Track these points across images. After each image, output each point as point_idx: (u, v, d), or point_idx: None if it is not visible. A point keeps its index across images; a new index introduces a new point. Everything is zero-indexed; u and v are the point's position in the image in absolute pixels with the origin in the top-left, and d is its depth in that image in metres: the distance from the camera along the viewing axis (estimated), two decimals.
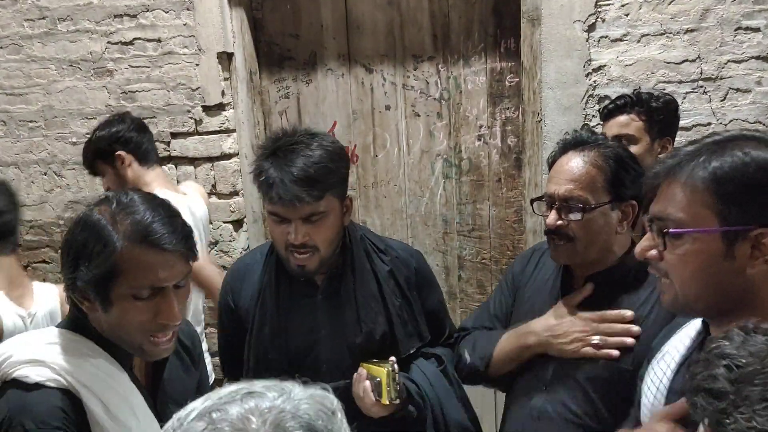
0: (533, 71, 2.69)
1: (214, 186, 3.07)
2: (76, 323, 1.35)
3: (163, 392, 1.45)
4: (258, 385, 0.74)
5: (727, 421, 0.76)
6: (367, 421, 1.71)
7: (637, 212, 1.66)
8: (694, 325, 1.24)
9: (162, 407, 1.42)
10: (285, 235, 1.68)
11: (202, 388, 1.61)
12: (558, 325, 1.65)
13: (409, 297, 1.86)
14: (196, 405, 0.72)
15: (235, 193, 3.07)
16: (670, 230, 1.09)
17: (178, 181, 3.09)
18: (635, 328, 1.57)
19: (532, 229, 2.81)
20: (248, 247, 3.13)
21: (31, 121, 3.19)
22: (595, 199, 1.60)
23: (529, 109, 2.74)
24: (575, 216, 1.61)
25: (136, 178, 2.52)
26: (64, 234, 1.32)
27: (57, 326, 1.38)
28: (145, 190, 2.46)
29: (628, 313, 1.60)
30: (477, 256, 2.99)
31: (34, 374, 1.25)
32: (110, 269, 1.24)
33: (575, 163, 1.64)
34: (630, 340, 1.57)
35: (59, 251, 1.33)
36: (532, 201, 1.78)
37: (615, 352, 1.57)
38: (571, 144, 1.69)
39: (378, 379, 1.69)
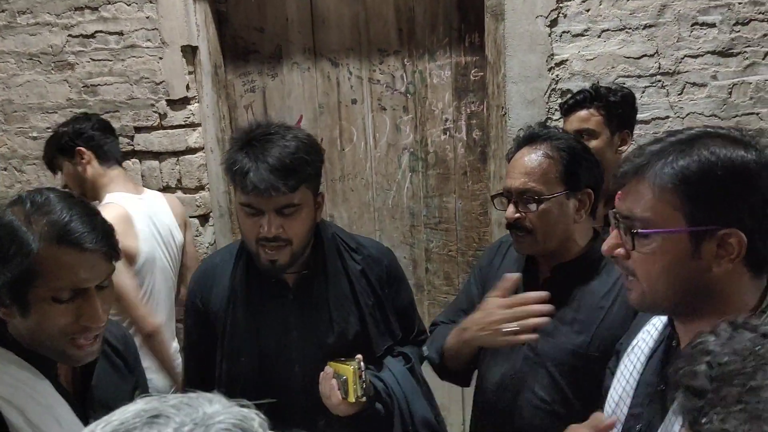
0: (497, 65, 2.72)
1: (179, 180, 3.05)
2: None
3: (92, 399, 1.40)
4: (168, 404, 0.66)
5: (703, 420, 0.73)
6: (335, 420, 1.72)
7: (594, 200, 1.71)
8: (661, 319, 1.28)
9: (93, 414, 1.36)
10: (257, 228, 1.66)
11: (140, 391, 1.57)
12: (482, 317, 1.66)
13: (381, 296, 1.87)
14: (94, 428, 0.65)
15: (201, 188, 3.05)
16: (639, 230, 1.11)
17: (143, 176, 3.06)
18: (547, 307, 1.59)
19: (498, 221, 2.85)
20: (214, 242, 3.11)
21: None
22: (549, 190, 1.65)
23: (494, 103, 2.78)
24: (532, 207, 1.66)
25: (95, 177, 2.50)
26: None
27: None
28: (101, 190, 2.48)
29: (542, 294, 1.61)
30: (444, 249, 3.02)
31: None
32: (26, 272, 1.19)
33: (528, 157, 1.69)
34: (544, 320, 1.58)
35: None
36: (492, 197, 1.82)
37: (533, 336, 1.58)
38: (525, 139, 1.74)
39: (344, 377, 1.68)
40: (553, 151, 1.66)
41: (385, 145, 3.00)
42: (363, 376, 1.69)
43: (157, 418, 0.63)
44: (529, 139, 1.71)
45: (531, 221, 1.66)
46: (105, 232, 1.27)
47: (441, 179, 2.98)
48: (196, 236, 3.07)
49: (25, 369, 1.26)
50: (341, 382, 1.68)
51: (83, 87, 3.02)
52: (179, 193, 3.05)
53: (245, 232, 1.72)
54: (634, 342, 1.31)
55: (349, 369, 1.69)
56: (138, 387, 1.58)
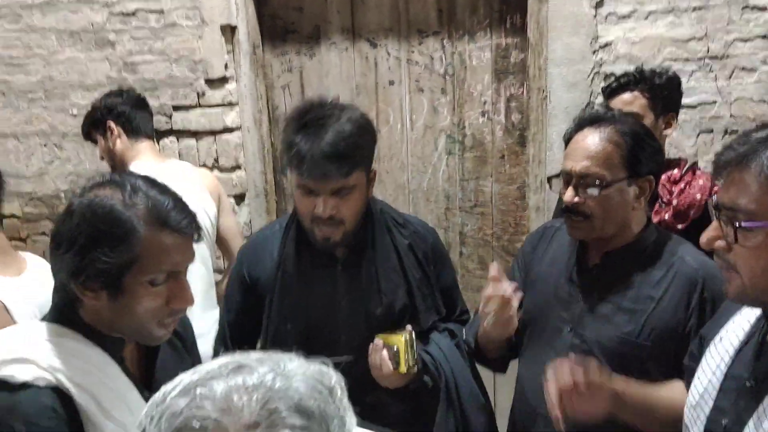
0: (539, 47, 2.68)
1: (216, 160, 3.06)
2: (62, 315, 1.28)
3: (157, 382, 1.39)
4: (251, 357, 0.69)
5: None
6: (382, 392, 1.73)
7: (654, 188, 1.67)
8: (754, 311, 1.24)
9: None
10: (311, 207, 1.68)
11: None
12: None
13: (427, 271, 1.88)
14: (184, 378, 0.68)
15: (237, 167, 3.06)
16: (742, 223, 1.06)
17: (180, 155, 3.08)
18: (514, 300, 1.60)
19: (535, 206, 2.82)
20: (250, 221, 3.12)
21: (30, 92, 3.15)
22: (611, 176, 1.61)
23: (534, 86, 2.74)
24: (592, 192, 1.61)
25: (123, 151, 2.59)
26: (60, 221, 1.23)
27: (42, 319, 1.31)
28: (128, 164, 2.53)
29: (509, 289, 1.61)
30: (479, 233, 3.00)
31: (20, 373, 1.18)
32: (131, 256, 1.19)
33: (591, 139, 1.64)
34: (507, 293, 1.59)
35: (53, 240, 1.23)
36: (549, 179, 1.78)
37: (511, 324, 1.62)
38: (587, 120, 1.69)
39: (395, 348, 1.70)
40: (618, 135, 1.61)
41: (422, 127, 2.98)
42: (414, 346, 1.70)
43: (242, 368, 0.66)
44: (592, 120, 1.66)
45: (590, 206, 1.62)
46: (193, 215, 1.28)
47: (478, 162, 2.95)
48: None
49: (95, 352, 1.26)
50: (393, 352, 1.70)
51: (123, 65, 3.03)
52: (216, 172, 3.06)
53: (301, 210, 1.75)
54: (722, 332, 1.27)
55: (400, 339, 1.71)
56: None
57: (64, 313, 1.28)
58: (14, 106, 3.19)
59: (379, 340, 1.74)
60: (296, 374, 0.67)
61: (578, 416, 1.45)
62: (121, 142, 2.58)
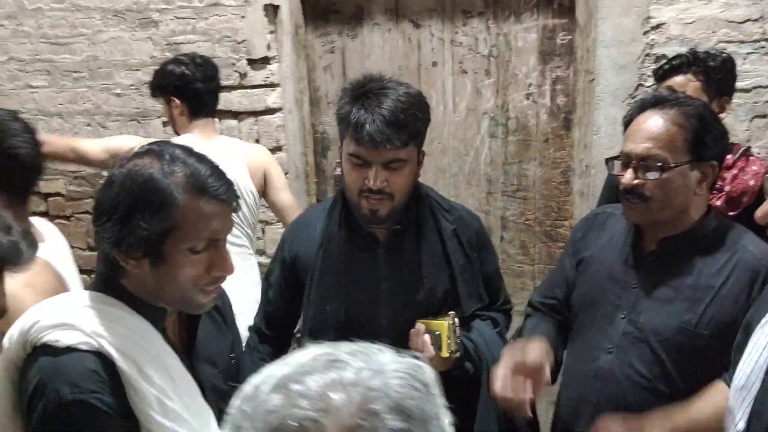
0: (588, 29, 2.62)
1: (257, 141, 3.06)
2: (105, 283, 1.30)
3: (197, 352, 1.43)
4: (341, 350, 0.66)
5: None
6: None
7: (717, 174, 1.63)
8: None
9: (196, 367, 1.40)
10: (361, 180, 1.68)
11: (235, 348, 1.60)
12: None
13: (471, 258, 1.86)
14: (274, 372, 0.65)
15: (279, 149, 3.06)
16: None
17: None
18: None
19: (580, 191, 2.78)
20: None
21: (75, 72, 3.19)
22: (674, 159, 1.56)
23: (582, 68, 2.68)
24: (653, 175, 1.57)
25: (179, 123, 2.59)
26: (101, 191, 1.24)
27: (86, 288, 1.33)
28: (179, 134, 2.52)
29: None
30: (521, 217, 2.96)
31: (64, 338, 1.20)
32: (172, 224, 1.20)
33: (654, 121, 1.59)
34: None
35: (95, 210, 1.24)
36: (607, 160, 1.74)
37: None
38: (650, 102, 1.64)
39: (438, 333, 1.69)
40: (682, 118, 1.56)
41: (465, 110, 2.94)
42: (457, 331, 1.69)
43: (335, 362, 0.64)
44: (656, 102, 1.61)
45: (649, 189, 1.58)
46: (231, 183, 1.28)
47: (521, 146, 2.90)
48: None
49: (138, 321, 1.28)
50: (435, 337, 1.69)
51: (166, 45, 3.04)
52: (261, 145, 3.06)
53: (349, 182, 1.74)
54: None
55: (443, 324, 1.70)
56: (234, 343, 1.60)
57: (108, 283, 1.30)
58: (59, 85, 3.22)
59: (421, 325, 1.73)
60: (391, 370, 0.64)
61: None
62: (181, 117, 2.57)
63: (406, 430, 0.60)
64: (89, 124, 3.24)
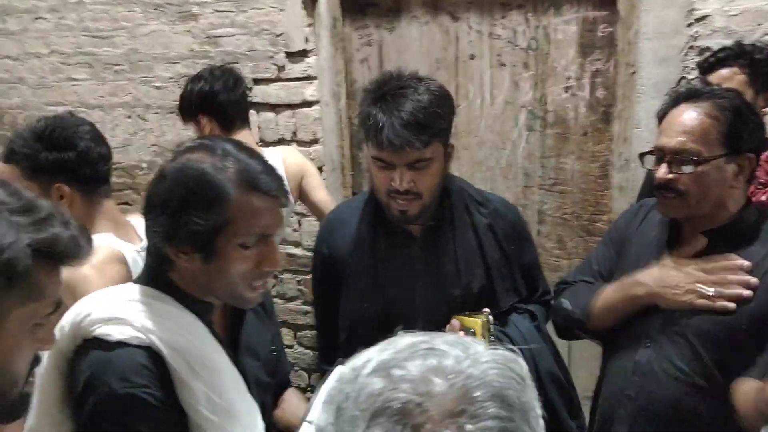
0: (630, 20, 2.59)
1: (294, 133, 3.08)
2: (154, 277, 1.31)
3: (242, 345, 1.43)
4: (438, 340, 0.67)
5: None
6: None
7: (755, 166, 1.60)
8: None
9: (241, 360, 1.41)
10: (388, 181, 1.67)
11: (275, 340, 1.61)
12: (669, 276, 1.61)
13: (507, 251, 1.85)
14: (372, 356, 0.66)
15: (315, 141, 3.08)
16: None
17: (259, 128, 3.11)
18: (753, 279, 1.52)
19: (619, 185, 2.75)
20: None
21: (116, 65, 3.24)
22: (708, 152, 1.55)
23: (623, 61, 2.65)
24: (687, 169, 1.56)
25: None
26: (153, 185, 1.26)
27: (134, 281, 1.35)
28: None
29: (746, 263, 1.54)
30: (558, 211, 2.94)
31: (115, 332, 1.22)
32: (223, 219, 1.21)
33: (688, 114, 1.57)
34: (747, 292, 1.52)
35: (147, 203, 1.26)
36: (641, 155, 1.73)
37: (731, 305, 1.52)
38: (684, 96, 1.63)
39: (472, 330, 1.68)
40: (716, 111, 1.55)
41: (502, 103, 2.92)
42: (491, 329, 1.68)
43: (433, 350, 0.64)
44: (690, 95, 1.60)
45: (684, 184, 1.57)
46: (282, 179, 1.29)
47: (559, 139, 2.88)
48: None
49: (186, 315, 1.29)
50: (469, 334, 1.68)
51: (205, 38, 3.07)
52: (293, 146, 3.08)
53: (377, 183, 1.73)
54: None
55: (477, 321, 1.69)
56: (275, 335, 1.61)
57: (157, 276, 1.31)
58: (100, 78, 3.28)
59: (456, 321, 1.72)
60: (489, 360, 0.64)
61: None
62: (212, 135, 2.44)
63: (507, 418, 0.61)
64: (129, 117, 3.29)
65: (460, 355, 0.64)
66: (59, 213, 0.85)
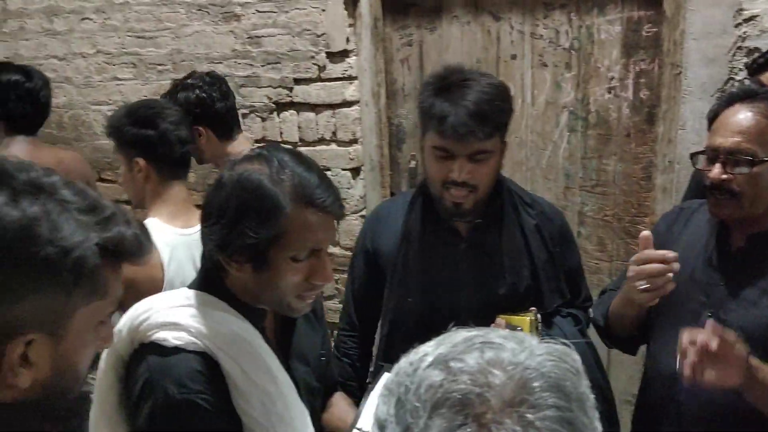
0: (676, 20, 2.55)
1: (334, 133, 3.10)
2: (209, 284, 1.33)
3: (293, 350, 1.45)
4: (492, 334, 0.68)
5: None
6: None
7: None
8: None
9: (292, 365, 1.42)
10: (445, 172, 1.68)
11: (325, 344, 1.62)
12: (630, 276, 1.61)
13: (553, 253, 1.85)
14: (428, 350, 0.68)
15: (354, 141, 3.09)
16: None
17: (299, 128, 3.13)
18: (675, 265, 1.53)
19: (662, 187, 2.71)
20: (365, 195, 3.15)
21: (160, 64, 3.29)
22: (764, 153, 1.53)
23: (668, 61, 2.61)
24: (742, 170, 1.54)
25: (215, 155, 2.39)
26: (211, 193, 1.27)
27: (189, 287, 1.37)
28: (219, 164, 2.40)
29: (671, 253, 1.55)
30: (599, 213, 2.92)
31: (172, 338, 1.24)
32: (277, 232, 1.22)
33: (744, 115, 1.56)
34: (668, 277, 1.53)
35: (204, 211, 1.28)
36: (692, 155, 1.71)
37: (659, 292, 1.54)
38: (738, 96, 1.62)
39: (519, 328, 1.68)
40: None
41: (543, 103, 2.91)
42: (538, 328, 1.68)
43: (489, 343, 0.65)
44: (745, 96, 1.58)
45: (739, 184, 1.55)
46: (338, 194, 1.29)
47: (601, 140, 2.85)
48: (347, 188, 3.12)
49: (239, 321, 1.31)
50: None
51: (247, 38, 3.10)
52: (333, 146, 3.10)
53: (432, 174, 1.73)
54: None
55: (524, 320, 1.69)
56: (324, 339, 1.62)
57: (212, 282, 1.32)
58: (144, 77, 3.33)
59: (501, 320, 1.72)
60: (544, 352, 0.66)
61: (709, 381, 1.42)
62: (211, 146, 2.36)
63: (565, 407, 0.62)
64: None
65: (516, 348, 0.65)
66: (122, 212, 0.87)
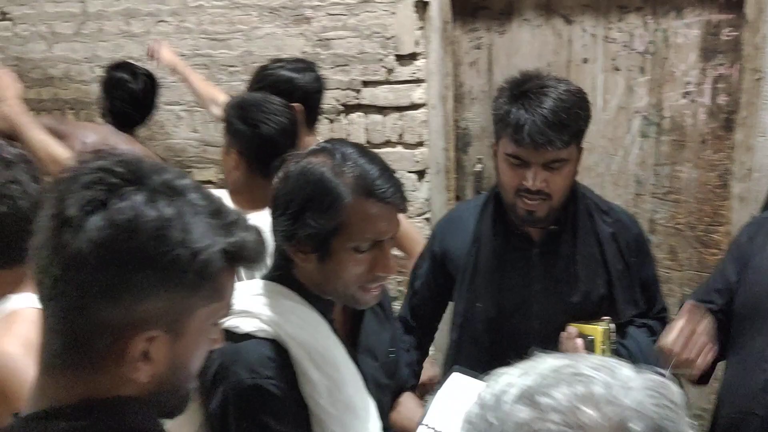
0: (757, 24, 2.47)
1: (400, 136, 3.11)
2: (279, 274, 1.35)
3: (361, 344, 1.46)
4: (582, 363, 0.62)
5: None
6: None
7: None
8: None
9: (360, 359, 1.42)
10: (518, 180, 1.66)
11: (394, 341, 1.62)
12: None
13: (629, 263, 1.81)
14: (512, 380, 0.63)
15: (421, 144, 3.09)
16: None
17: (366, 130, 3.15)
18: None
19: (740, 196, 2.63)
20: (429, 198, 3.15)
21: (231, 66, 3.35)
22: None
23: (748, 66, 2.53)
24: None
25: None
26: (278, 186, 1.31)
27: (261, 277, 1.39)
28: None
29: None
30: (671, 221, 2.84)
31: (243, 324, 1.26)
32: (339, 223, 1.24)
33: None
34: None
35: (272, 203, 1.32)
36: None
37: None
38: None
39: (591, 338, 1.65)
40: None
41: (615, 108, 2.85)
42: (612, 338, 1.65)
43: (579, 375, 0.61)
44: None
45: None
46: (400, 185, 1.31)
47: (675, 146, 2.78)
48: (412, 191, 3.11)
49: (309, 311, 1.33)
50: (587, 342, 1.65)
51: (317, 41, 3.14)
52: (399, 148, 3.11)
53: (505, 182, 1.71)
54: None
55: (597, 329, 1.66)
56: (393, 338, 1.62)
57: (281, 273, 1.35)
58: (215, 78, 3.40)
59: (573, 329, 1.69)
60: (641, 387, 0.60)
61: None
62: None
63: None
64: None
65: (609, 382, 0.60)
66: (242, 218, 0.89)
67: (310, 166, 1.28)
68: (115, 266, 0.77)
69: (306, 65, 2.45)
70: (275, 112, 1.99)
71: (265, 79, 2.35)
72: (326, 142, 1.38)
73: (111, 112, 2.88)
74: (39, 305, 0.84)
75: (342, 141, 1.38)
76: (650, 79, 2.77)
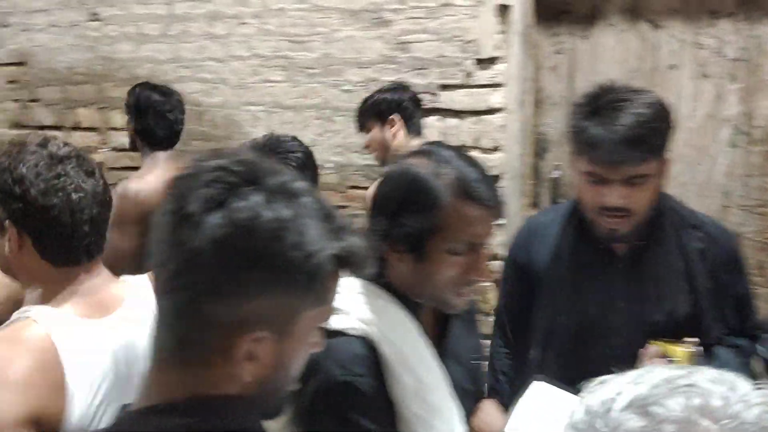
0: None
1: (477, 140, 3.08)
2: (372, 275, 1.31)
3: (448, 349, 1.44)
4: (697, 375, 0.60)
5: None
6: None
7: None
8: None
9: (446, 363, 1.41)
10: (599, 197, 1.60)
11: (479, 349, 1.61)
12: None
13: (720, 281, 1.72)
14: (622, 388, 0.60)
15: (497, 149, 3.06)
16: None
17: (443, 134, 3.13)
18: None
19: None
20: (504, 204, 3.11)
21: (309, 68, 3.40)
22: None
23: None
24: None
25: (398, 146, 2.66)
26: (378, 187, 1.34)
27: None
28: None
29: None
30: (760, 235, 2.73)
31: (336, 321, 1.24)
32: (435, 224, 1.24)
33: None
34: None
35: (372, 204, 1.33)
36: None
37: None
38: None
39: (674, 359, 1.59)
40: None
41: (703, 116, 2.76)
42: (697, 363, 1.58)
43: (694, 387, 0.58)
44: None
45: None
46: (497, 190, 1.31)
47: (766, 157, 2.67)
48: None
49: (399, 311, 1.33)
50: (669, 363, 1.59)
51: (396, 44, 3.15)
52: (475, 153, 3.08)
53: (585, 199, 1.67)
54: None
55: (683, 352, 1.59)
56: (478, 344, 1.61)
57: (375, 274, 1.33)
58: (294, 80, 3.45)
59: (654, 347, 1.63)
60: (761, 403, 0.57)
61: None
62: (398, 138, 2.69)
63: None
64: (318, 118, 3.44)
65: (728, 396, 0.57)
66: (350, 223, 0.89)
67: (409, 167, 1.30)
68: (230, 265, 0.78)
69: (398, 86, 2.85)
70: (291, 150, 2.13)
71: (367, 106, 2.79)
72: (427, 144, 1.39)
73: (145, 134, 2.74)
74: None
75: (441, 144, 1.39)
76: (741, 87, 2.67)
